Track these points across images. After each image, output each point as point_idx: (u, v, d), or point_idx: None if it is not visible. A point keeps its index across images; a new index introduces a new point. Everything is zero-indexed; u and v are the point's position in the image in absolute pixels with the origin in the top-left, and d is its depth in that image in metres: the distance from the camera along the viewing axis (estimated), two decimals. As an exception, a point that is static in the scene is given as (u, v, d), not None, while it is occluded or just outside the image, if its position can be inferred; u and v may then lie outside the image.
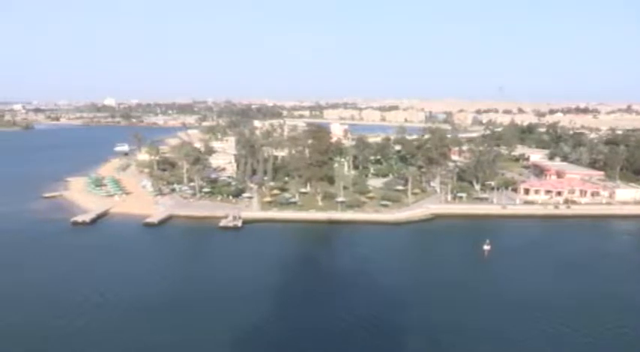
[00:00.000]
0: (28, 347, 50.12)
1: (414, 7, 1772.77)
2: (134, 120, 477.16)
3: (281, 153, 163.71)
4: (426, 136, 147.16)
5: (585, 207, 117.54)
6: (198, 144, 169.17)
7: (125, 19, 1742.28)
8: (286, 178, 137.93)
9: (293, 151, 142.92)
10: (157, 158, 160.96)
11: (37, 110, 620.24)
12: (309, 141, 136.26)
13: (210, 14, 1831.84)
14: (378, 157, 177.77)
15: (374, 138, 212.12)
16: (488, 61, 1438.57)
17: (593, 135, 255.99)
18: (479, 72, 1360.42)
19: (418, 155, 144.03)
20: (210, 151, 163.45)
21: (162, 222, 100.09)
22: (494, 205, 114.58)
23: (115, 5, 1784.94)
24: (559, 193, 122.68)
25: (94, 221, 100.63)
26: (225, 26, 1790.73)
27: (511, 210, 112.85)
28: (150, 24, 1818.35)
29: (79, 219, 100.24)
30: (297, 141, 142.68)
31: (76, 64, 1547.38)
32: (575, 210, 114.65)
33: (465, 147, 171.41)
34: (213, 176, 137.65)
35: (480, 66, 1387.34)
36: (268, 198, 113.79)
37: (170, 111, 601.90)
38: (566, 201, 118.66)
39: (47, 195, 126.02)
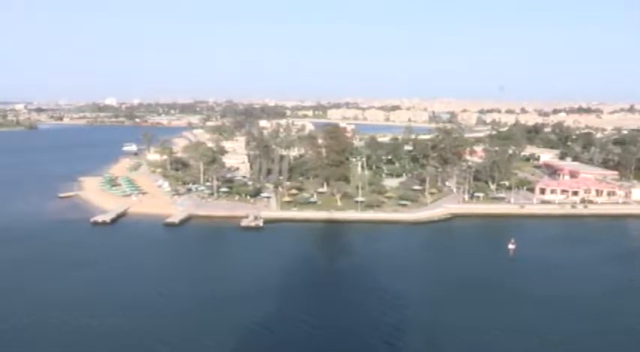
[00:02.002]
0: (65, 346, 50.17)
1: (413, 7, 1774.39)
2: (138, 120, 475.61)
3: (291, 153, 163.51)
4: (440, 136, 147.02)
5: (602, 206, 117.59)
6: (209, 144, 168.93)
7: (125, 19, 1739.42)
8: (301, 178, 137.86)
9: (309, 151, 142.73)
10: (170, 158, 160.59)
11: (39, 110, 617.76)
12: (322, 141, 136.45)
13: (210, 14, 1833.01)
14: (389, 157, 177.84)
15: (381, 138, 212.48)
16: (487, 61, 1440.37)
17: (599, 135, 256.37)
18: (478, 71, 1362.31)
19: (432, 155, 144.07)
20: (223, 151, 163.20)
21: (183, 221, 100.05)
22: (512, 205, 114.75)
23: (114, 5, 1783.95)
24: (575, 193, 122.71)
25: (114, 221, 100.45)
26: (225, 26, 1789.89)
27: (529, 209, 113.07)
28: (150, 24, 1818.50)
29: (99, 218, 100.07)
30: (314, 140, 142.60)
31: (75, 63, 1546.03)
32: (592, 209, 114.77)
33: (476, 148, 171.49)
34: (228, 176, 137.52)
35: (480, 66, 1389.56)
36: (287, 198, 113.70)
37: (172, 111, 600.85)
38: (583, 201, 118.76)
39: (63, 194, 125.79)
